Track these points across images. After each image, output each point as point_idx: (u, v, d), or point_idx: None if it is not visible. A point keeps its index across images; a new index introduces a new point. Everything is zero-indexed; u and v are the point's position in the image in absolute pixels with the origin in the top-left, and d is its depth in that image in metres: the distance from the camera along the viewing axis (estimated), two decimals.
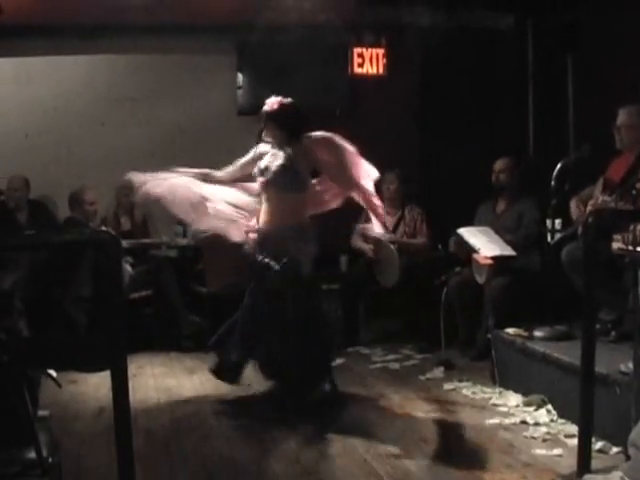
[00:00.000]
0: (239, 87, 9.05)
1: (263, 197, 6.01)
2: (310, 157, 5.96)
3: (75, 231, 5.69)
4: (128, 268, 7.59)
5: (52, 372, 5.33)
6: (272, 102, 6.05)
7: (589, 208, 5.85)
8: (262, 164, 5.98)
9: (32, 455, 3.19)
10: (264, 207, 5.98)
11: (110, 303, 2.54)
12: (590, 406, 4.29)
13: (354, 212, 8.00)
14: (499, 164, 7.51)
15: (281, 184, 5.87)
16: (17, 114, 8.74)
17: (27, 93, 8.78)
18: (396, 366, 7.07)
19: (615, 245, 4.80)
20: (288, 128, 5.99)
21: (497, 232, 7.06)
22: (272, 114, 6.00)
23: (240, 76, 9.05)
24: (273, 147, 6.02)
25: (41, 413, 4.99)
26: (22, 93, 8.78)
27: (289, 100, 6.09)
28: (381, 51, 9.16)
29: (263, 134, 6.07)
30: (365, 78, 9.19)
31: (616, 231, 4.70)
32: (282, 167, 5.87)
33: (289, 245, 5.79)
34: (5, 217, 7.87)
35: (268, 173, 5.91)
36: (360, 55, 9.18)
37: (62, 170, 8.69)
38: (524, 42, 8.97)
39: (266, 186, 5.95)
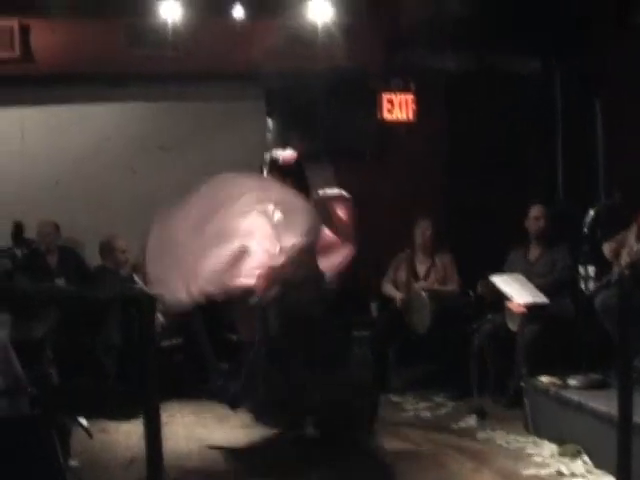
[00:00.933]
0: (268, 130, 9.08)
1: None
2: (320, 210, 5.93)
3: (110, 288, 5.73)
4: (159, 316, 7.59)
5: (83, 421, 5.34)
6: (286, 155, 6.02)
7: (624, 256, 5.80)
8: None
9: None
10: None
11: (143, 360, 2.52)
12: (628, 457, 4.22)
13: (384, 259, 8.02)
14: (535, 211, 7.44)
15: None
16: (48, 161, 8.81)
17: (58, 141, 8.85)
18: (428, 414, 7.00)
19: None
20: (301, 184, 6.01)
21: (530, 279, 7.00)
22: (287, 168, 5.98)
23: (269, 121, 9.09)
24: None
25: (72, 463, 4.99)
26: (53, 141, 8.85)
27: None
28: (410, 97, 9.16)
29: None
30: (394, 124, 9.19)
31: None
32: None
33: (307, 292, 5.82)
34: (37, 262, 7.92)
35: None
36: (390, 101, 9.18)
37: (92, 217, 8.71)
38: (552, 86, 8.97)
39: None
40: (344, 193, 6.12)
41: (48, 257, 8.14)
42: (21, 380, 4.67)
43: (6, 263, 6.76)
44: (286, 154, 6.04)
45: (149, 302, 2.48)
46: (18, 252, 6.68)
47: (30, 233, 8.15)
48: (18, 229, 7.26)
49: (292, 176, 5.99)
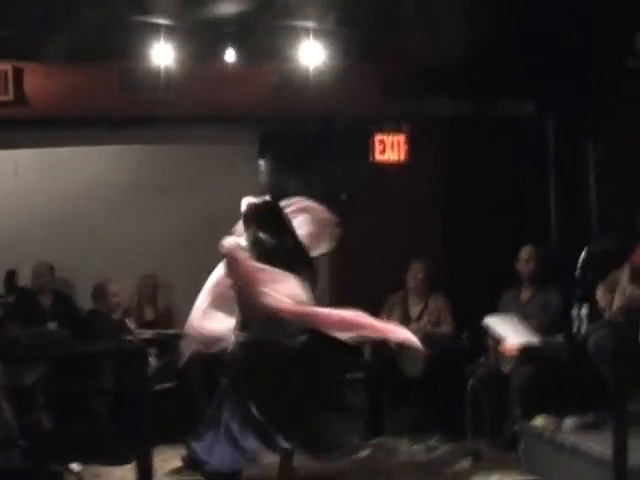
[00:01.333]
0: (261, 172, 9.11)
1: None
2: None
3: (102, 333, 5.71)
4: (151, 360, 7.56)
5: (76, 466, 5.31)
6: (249, 203, 6.01)
7: (617, 298, 5.80)
8: None
9: None
10: None
11: (136, 408, 2.52)
12: None
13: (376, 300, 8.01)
14: (525, 252, 7.43)
15: None
16: (41, 203, 8.85)
17: (51, 183, 8.90)
18: (422, 457, 6.95)
19: None
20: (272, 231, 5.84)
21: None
22: (249, 215, 5.97)
23: (262, 163, 9.12)
24: None
25: None
26: (46, 183, 8.90)
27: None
28: (402, 137, 9.20)
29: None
30: (387, 165, 9.22)
31: None
32: None
33: None
34: (28, 304, 7.91)
35: None
36: (381, 142, 9.22)
37: (86, 258, 8.71)
38: (545, 129, 9.01)
39: None
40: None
41: (41, 298, 8.15)
42: (12, 430, 4.65)
43: None
44: (248, 201, 5.97)
45: (141, 353, 2.48)
46: (10, 300, 6.66)
47: (23, 274, 8.17)
48: (11, 277, 7.25)
49: (256, 224, 5.89)
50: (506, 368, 6.84)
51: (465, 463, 6.61)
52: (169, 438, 7.21)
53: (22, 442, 3.32)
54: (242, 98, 8.49)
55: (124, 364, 6.99)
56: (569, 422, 5.95)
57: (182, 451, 7.11)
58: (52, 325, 7.58)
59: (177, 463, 6.84)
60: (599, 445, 5.24)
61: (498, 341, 6.86)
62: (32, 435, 3.35)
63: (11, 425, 4.63)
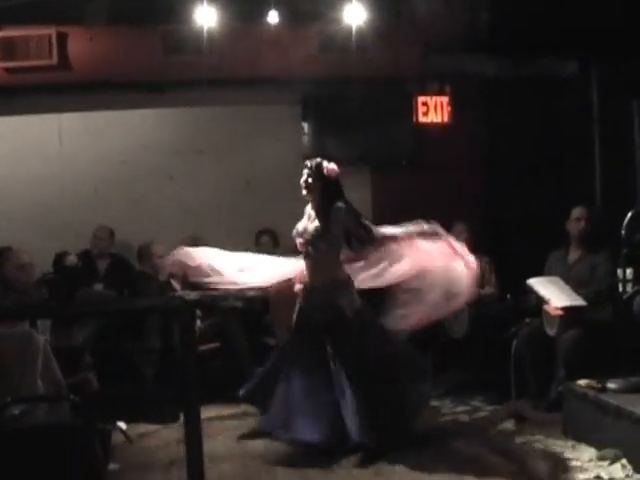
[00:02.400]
0: (304, 134, 9.10)
1: (303, 255, 6.17)
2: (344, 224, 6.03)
3: (150, 296, 5.77)
4: (197, 321, 7.62)
5: (122, 425, 5.38)
6: (332, 167, 6.04)
7: None
8: (300, 226, 6.12)
9: None
10: (305, 263, 6.16)
11: (183, 366, 2.54)
12: None
13: None
14: (577, 212, 7.35)
15: (317, 246, 6.01)
16: (86, 167, 8.90)
17: (96, 147, 8.93)
18: (466, 418, 6.97)
19: None
20: (334, 195, 6.04)
21: (567, 282, 6.95)
22: (329, 180, 6.02)
23: (305, 125, 9.10)
24: (312, 207, 6.15)
25: (112, 467, 5.03)
26: (90, 146, 8.94)
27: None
28: (445, 99, 9.15)
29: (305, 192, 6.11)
30: (430, 127, 9.18)
31: None
32: (318, 230, 6.00)
33: (328, 298, 5.99)
34: (86, 266, 8.04)
35: (306, 234, 6.05)
36: (424, 104, 9.17)
37: (130, 223, 8.78)
38: (589, 89, 8.91)
39: (304, 246, 6.09)
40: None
41: (99, 262, 8.26)
42: (61, 386, 4.72)
43: (44, 292, 6.85)
44: (329, 164, 6.04)
45: (188, 310, 2.50)
46: (57, 278, 6.79)
47: (67, 242, 8.27)
48: (60, 258, 7.33)
49: (331, 187, 6.03)
50: (551, 330, 6.81)
51: (508, 424, 6.61)
52: (214, 398, 7.33)
53: (73, 397, 3.36)
54: (285, 60, 8.47)
55: (171, 322, 7.08)
56: (614, 384, 5.91)
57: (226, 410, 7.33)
58: (98, 286, 7.69)
59: (222, 422, 6.98)
60: None
61: (543, 302, 6.83)
62: (80, 394, 3.40)
63: (61, 383, 4.71)
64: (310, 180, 6.04)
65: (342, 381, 5.81)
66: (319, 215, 6.03)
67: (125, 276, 8.25)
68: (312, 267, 6.10)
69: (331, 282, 6.03)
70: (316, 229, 5.99)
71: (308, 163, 6.11)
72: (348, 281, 6.09)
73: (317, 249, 6.01)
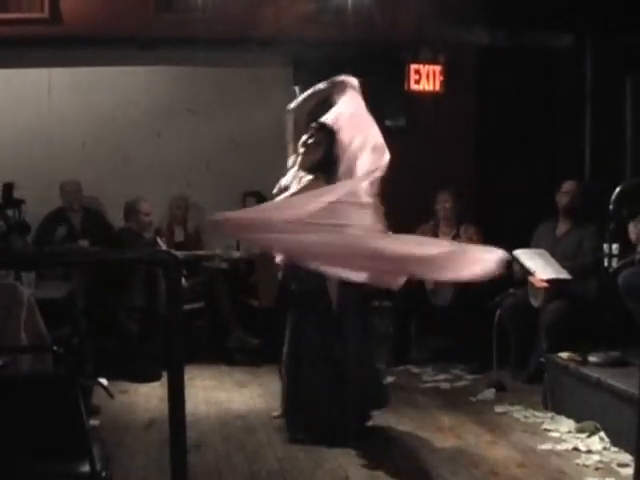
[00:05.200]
0: (295, 97, 9.03)
1: None
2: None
3: (136, 250, 5.73)
4: (181, 281, 7.62)
5: (104, 381, 5.38)
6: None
7: None
8: (283, 182, 5.86)
9: (86, 468, 3.18)
10: None
11: (169, 320, 2.53)
12: None
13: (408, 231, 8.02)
14: (567, 186, 7.38)
15: None
16: (75, 123, 8.82)
17: (85, 102, 8.86)
18: (447, 386, 7.01)
19: None
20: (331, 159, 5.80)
21: (554, 255, 6.98)
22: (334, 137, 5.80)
23: (297, 88, 9.05)
24: (299, 168, 5.83)
25: (92, 422, 5.03)
26: (80, 102, 8.86)
27: None
28: (438, 68, 9.10)
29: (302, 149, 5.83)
30: (421, 95, 9.14)
31: None
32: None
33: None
34: (59, 220, 8.01)
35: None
36: (417, 72, 9.12)
37: (118, 179, 8.75)
38: (583, 62, 8.87)
39: None
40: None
41: (72, 215, 8.24)
42: (45, 338, 4.72)
43: (1, 225, 6.79)
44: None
45: (175, 263, 2.48)
46: (10, 213, 6.69)
47: (54, 196, 8.26)
48: (7, 189, 7.28)
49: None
50: (535, 302, 6.84)
51: (489, 394, 6.65)
52: (197, 358, 7.35)
53: (56, 349, 3.35)
54: (278, 22, 8.40)
55: (156, 280, 7.08)
56: (595, 357, 5.94)
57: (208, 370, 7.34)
58: (84, 242, 7.67)
59: (203, 382, 7.00)
60: (624, 380, 5.26)
61: (528, 274, 6.85)
62: (64, 347, 3.39)
63: (45, 336, 4.71)
64: (313, 141, 5.79)
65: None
66: (318, 172, 5.72)
67: (102, 228, 8.24)
68: None
69: None
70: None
71: (315, 125, 5.88)
72: None
73: None
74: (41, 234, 8.04)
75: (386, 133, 8.84)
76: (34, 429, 3.17)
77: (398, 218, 8.08)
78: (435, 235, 7.93)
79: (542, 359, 6.44)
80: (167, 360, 2.64)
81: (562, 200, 7.38)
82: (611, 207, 6.02)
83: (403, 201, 8.24)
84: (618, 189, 6.05)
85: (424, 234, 7.95)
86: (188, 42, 8.61)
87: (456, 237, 7.94)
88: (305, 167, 5.79)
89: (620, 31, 8.19)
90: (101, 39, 8.47)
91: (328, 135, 5.81)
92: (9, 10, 8.35)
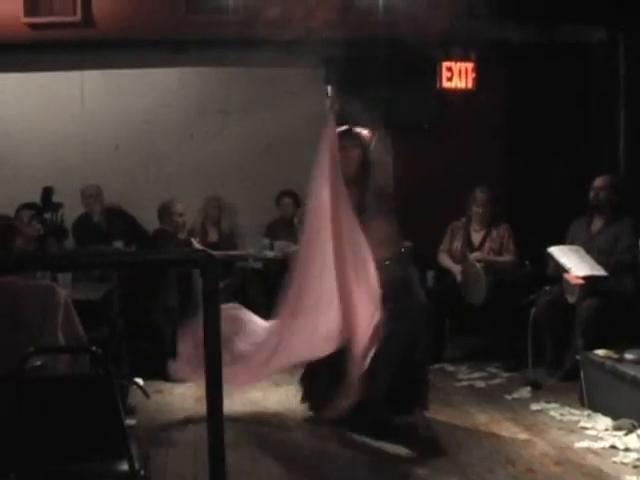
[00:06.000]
0: (327, 99, 9.04)
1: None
2: None
3: (173, 250, 5.77)
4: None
5: (140, 381, 5.42)
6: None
7: None
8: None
9: (124, 467, 3.21)
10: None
11: (206, 323, 2.54)
12: None
13: (440, 228, 8.02)
14: (600, 181, 7.29)
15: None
16: (108, 125, 8.89)
17: (118, 105, 8.92)
18: (482, 384, 6.98)
19: None
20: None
21: (589, 252, 6.92)
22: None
23: (328, 89, 9.05)
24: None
25: (128, 422, 5.06)
26: (113, 105, 8.92)
27: None
28: (470, 65, 9.08)
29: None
30: (454, 92, 9.12)
31: None
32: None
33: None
34: (86, 224, 8.05)
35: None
36: (449, 69, 9.11)
37: (151, 181, 8.82)
38: (616, 57, 8.81)
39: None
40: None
41: (96, 220, 8.26)
42: (82, 339, 4.76)
43: (39, 228, 6.86)
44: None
45: (213, 263, 2.49)
46: (47, 216, 6.76)
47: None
48: (47, 193, 7.34)
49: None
50: (571, 298, 6.80)
51: (524, 392, 6.62)
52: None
53: (94, 349, 3.38)
54: (309, 21, 8.40)
55: (190, 280, 7.11)
56: (631, 354, 5.91)
57: None
58: (119, 244, 7.71)
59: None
60: None
61: (564, 271, 6.81)
62: (101, 347, 3.42)
63: (81, 336, 4.74)
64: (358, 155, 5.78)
65: None
66: (358, 185, 5.67)
67: (132, 228, 8.29)
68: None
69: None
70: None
71: (352, 132, 5.89)
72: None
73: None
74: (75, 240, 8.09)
75: (418, 132, 8.98)
76: (73, 429, 3.20)
77: (431, 215, 8.11)
78: (467, 233, 7.92)
79: (578, 356, 6.39)
80: (205, 361, 2.64)
81: (596, 195, 7.30)
82: None
83: (436, 198, 8.25)
84: None
85: (455, 233, 7.96)
86: (219, 43, 8.64)
87: (488, 235, 7.91)
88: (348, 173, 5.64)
89: None
90: (133, 42, 8.52)
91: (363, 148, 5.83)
92: (41, 14, 8.40)
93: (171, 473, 4.75)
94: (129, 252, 5.43)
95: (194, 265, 2.61)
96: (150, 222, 8.38)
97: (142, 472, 3.26)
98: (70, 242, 7.60)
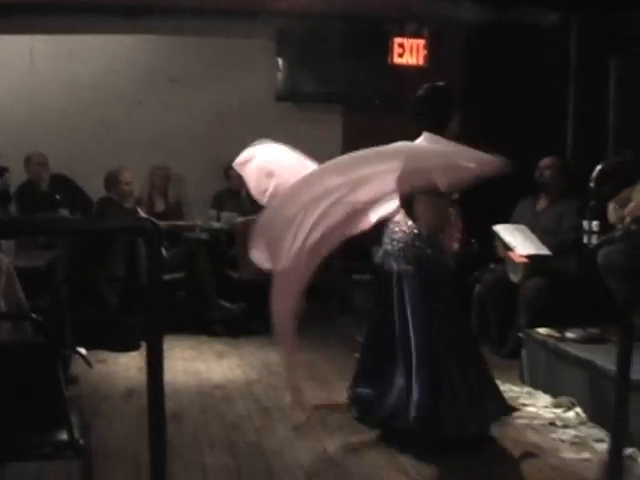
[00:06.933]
0: (279, 70, 9.02)
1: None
2: None
3: (117, 218, 5.72)
4: (162, 250, 7.61)
5: (82, 350, 5.38)
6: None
7: (627, 210, 5.81)
8: None
9: (64, 437, 3.18)
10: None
11: (150, 292, 2.52)
12: (623, 412, 4.24)
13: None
14: (545, 161, 7.38)
15: None
16: (56, 91, 8.76)
17: (67, 70, 8.80)
18: None
19: None
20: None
21: (534, 231, 7.00)
22: None
23: (280, 61, 9.03)
24: None
25: (70, 392, 5.03)
26: (62, 70, 8.80)
27: None
28: (422, 42, 9.10)
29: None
30: (405, 68, 9.12)
31: None
32: None
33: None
34: (31, 190, 7.93)
35: None
36: (401, 45, 9.11)
37: (99, 148, 8.70)
38: (567, 41, 8.85)
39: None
40: None
41: (41, 186, 8.10)
42: (24, 307, 4.70)
43: None
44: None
45: (157, 232, 2.47)
46: None
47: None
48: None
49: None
50: (515, 277, 6.86)
51: None
52: (176, 328, 7.35)
53: (35, 317, 3.34)
54: None
55: (136, 250, 7.07)
56: (573, 333, 5.98)
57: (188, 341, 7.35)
58: (64, 211, 7.62)
59: (182, 352, 7.00)
60: (601, 357, 5.29)
61: (508, 249, 6.87)
62: (43, 315, 3.38)
63: (23, 302, 4.68)
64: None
65: None
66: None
67: (76, 195, 8.16)
68: None
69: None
70: None
71: None
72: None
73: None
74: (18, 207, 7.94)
75: (369, 106, 8.98)
76: (12, 397, 3.17)
77: None
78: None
79: (520, 334, 6.47)
80: (146, 330, 2.63)
81: (541, 175, 7.39)
82: (592, 185, 6.03)
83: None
84: (599, 167, 6.06)
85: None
86: (173, 11, 8.57)
87: None
88: None
89: (605, 11, 8.17)
90: (85, 6, 8.41)
91: None
92: None
93: (113, 444, 4.72)
94: (73, 219, 5.35)
95: (138, 234, 2.59)
96: (97, 191, 8.27)
97: (82, 442, 3.22)
98: (12, 209, 7.47)
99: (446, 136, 5.10)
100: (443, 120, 5.29)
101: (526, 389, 6.07)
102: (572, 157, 8.59)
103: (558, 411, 5.50)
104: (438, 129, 5.13)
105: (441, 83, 5.31)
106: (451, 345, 4.91)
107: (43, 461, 3.79)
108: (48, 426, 3.22)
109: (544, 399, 5.78)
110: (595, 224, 6.06)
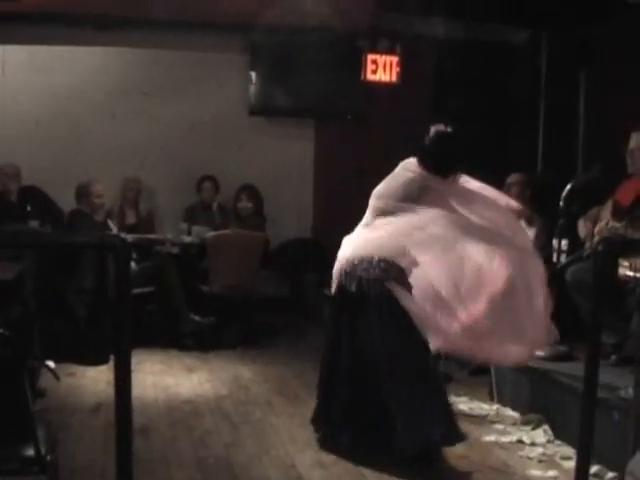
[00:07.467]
0: (252, 83, 9.05)
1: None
2: None
3: (86, 233, 5.70)
4: (131, 264, 7.57)
5: (51, 363, 5.34)
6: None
7: (597, 229, 5.84)
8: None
9: (30, 452, 3.17)
10: None
11: (118, 306, 2.53)
12: (590, 430, 4.26)
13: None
14: (512, 178, 7.37)
15: None
16: (29, 102, 8.76)
17: (40, 81, 8.79)
18: None
19: (621, 271, 4.79)
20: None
21: None
22: None
23: (253, 75, 9.05)
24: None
25: (38, 405, 4.99)
26: (35, 81, 8.79)
27: None
28: (395, 59, 9.15)
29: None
30: (378, 85, 9.18)
31: (624, 258, 4.69)
32: None
33: None
34: (2, 204, 7.87)
35: None
36: (374, 62, 9.16)
37: (72, 159, 8.69)
38: (538, 57, 8.94)
39: None
40: None
41: (11, 198, 8.03)
42: None
43: None
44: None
45: (125, 248, 2.48)
46: None
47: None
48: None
49: None
50: None
51: None
52: (146, 342, 7.32)
53: (2, 331, 3.33)
54: (235, 6, 8.37)
55: (106, 262, 7.03)
56: (542, 351, 5.99)
57: (157, 355, 7.32)
58: (34, 223, 7.57)
59: (152, 366, 6.98)
60: (569, 375, 5.32)
61: None
62: (11, 328, 3.37)
63: None
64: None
65: None
66: None
67: (48, 208, 8.10)
68: None
69: None
70: None
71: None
72: None
73: None
74: None
75: (342, 121, 9.02)
76: None
77: (347, 205, 8.12)
78: None
79: None
80: (115, 343, 2.63)
81: (508, 191, 7.36)
82: (561, 203, 6.07)
83: (350, 189, 8.24)
84: (569, 185, 6.10)
85: None
86: (145, 24, 8.56)
87: None
88: None
89: (574, 26, 8.25)
90: (57, 18, 8.38)
91: None
92: None
93: (80, 458, 4.68)
94: (42, 233, 5.34)
95: (107, 249, 2.59)
96: (69, 202, 8.22)
97: (49, 457, 3.22)
98: None
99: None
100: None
101: (495, 406, 6.07)
102: (542, 173, 8.66)
103: (526, 428, 5.51)
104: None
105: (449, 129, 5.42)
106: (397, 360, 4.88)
107: (8, 477, 3.76)
108: (14, 441, 3.21)
109: (512, 417, 5.78)
110: (564, 243, 6.10)
